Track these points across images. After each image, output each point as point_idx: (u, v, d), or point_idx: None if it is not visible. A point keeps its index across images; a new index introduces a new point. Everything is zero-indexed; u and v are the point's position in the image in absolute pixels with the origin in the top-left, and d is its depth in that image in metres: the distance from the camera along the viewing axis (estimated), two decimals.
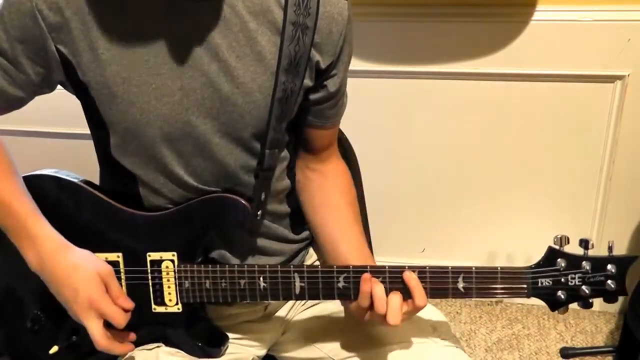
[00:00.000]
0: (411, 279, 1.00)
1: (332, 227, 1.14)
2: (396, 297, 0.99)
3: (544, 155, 2.03)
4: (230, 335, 1.14)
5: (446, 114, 2.04)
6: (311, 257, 1.26)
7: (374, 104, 2.04)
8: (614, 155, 1.97)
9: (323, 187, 1.17)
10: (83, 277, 0.99)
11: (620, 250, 2.08)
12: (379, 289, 0.99)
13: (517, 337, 2.06)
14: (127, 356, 1.11)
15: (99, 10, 0.96)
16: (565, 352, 1.79)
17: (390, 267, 1.01)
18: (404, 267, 1.01)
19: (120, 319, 1.00)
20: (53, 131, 2.25)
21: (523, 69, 1.92)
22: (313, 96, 1.08)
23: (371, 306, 1.00)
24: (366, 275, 1.00)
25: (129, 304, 1.02)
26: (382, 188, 2.11)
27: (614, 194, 2.03)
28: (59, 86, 1.07)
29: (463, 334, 2.09)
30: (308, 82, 1.05)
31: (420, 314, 1.13)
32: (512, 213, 2.14)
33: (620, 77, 1.88)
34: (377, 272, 1.01)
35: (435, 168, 2.12)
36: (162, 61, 0.98)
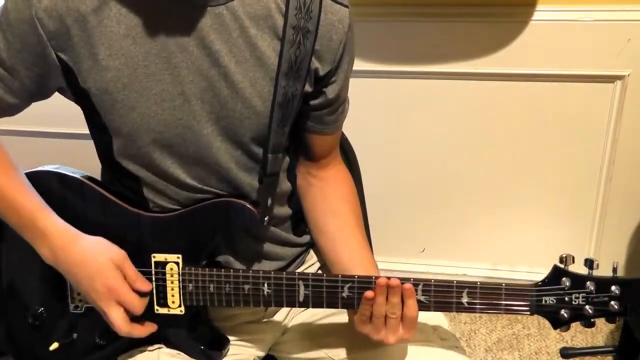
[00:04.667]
0: (406, 289, 0.99)
1: (334, 235, 1.13)
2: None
3: (544, 154, 2.03)
4: (230, 336, 1.14)
5: (446, 114, 2.04)
6: (312, 258, 1.26)
7: (374, 104, 2.04)
8: (614, 156, 1.97)
9: (324, 193, 1.17)
10: (97, 266, 1.00)
11: (620, 250, 2.09)
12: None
13: (517, 337, 2.06)
14: (127, 356, 1.11)
15: (99, 18, 0.96)
16: (565, 352, 1.78)
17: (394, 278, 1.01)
18: (408, 279, 1.00)
19: (138, 307, 1.01)
20: (53, 131, 2.25)
21: (523, 69, 1.93)
22: (312, 102, 1.08)
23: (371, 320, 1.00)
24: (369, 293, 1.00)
25: (147, 286, 1.03)
26: (382, 188, 2.11)
27: (614, 194, 2.03)
28: None
29: (463, 334, 2.09)
30: (308, 87, 1.05)
31: (420, 313, 1.14)
32: (512, 212, 2.15)
33: (620, 77, 1.88)
34: None
35: (435, 168, 2.12)
36: (163, 67, 0.98)
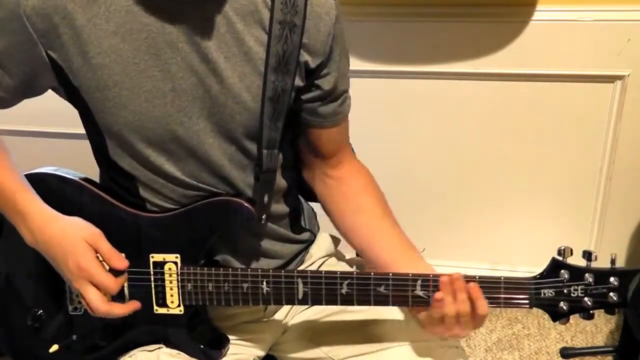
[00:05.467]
0: (472, 288, 0.99)
1: (363, 232, 1.13)
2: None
3: (544, 155, 2.03)
4: (230, 335, 1.14)
5: (446, 114, 2.04)
6: (310, 258, 1.26)
7: (374, 104, 2.04)
8: (614, 156, 1.97)
9: (343, 192, 1.16)
10: (70, 245, 0.99)
11: (620, 249, 2.08)
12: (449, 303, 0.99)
13: (517, 337, 2.06)
14: (127, 356, 1.11)
15: (87, 16, 0.96)
16: (565, 352, 1.79)
17: (393, 274, 1.02)
18: (407, 274, 1.01)
19: (112, 286, 0.99)
20: (53, 131, 2.25)
21: (523, 69, 1.92)
22: (306, 96, 1.08)
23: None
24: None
25: (123, 263, 1.01)
26: (382, 188, 2.10)
27: (614, 194, 2.03)
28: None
29: None
30: (299, 82, 1.05)
31: None
32: (512, 212, 2.15)
33: (620, 77, 1.88)
34: (381, 279, 1.01)
35: (435, 168, 2.12)
36: (153, 64, 0.98)
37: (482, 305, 0.99)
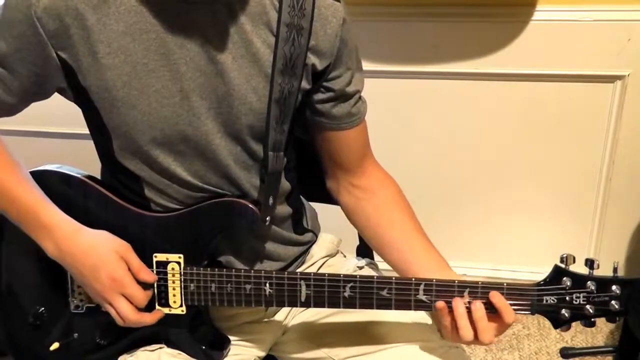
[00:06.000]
0: (497, 297, 0.99)
1: (398, 247, 1.12)
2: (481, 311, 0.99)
3: (544, 155, 2.03)
4: (231, 336, 1.14)
5: (446, 114, 2.04)
6: (312, 258, 1.26)
7: (374, 104, 2.03)
8: (614, 156, 1.98)
9: (373, 204, 1.16)
10: (102, 257, 1.00)
11: (620, 249, 2.09)
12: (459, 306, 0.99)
13: (517, 337, 2.06)
14: (128, 356, 1.11)
15: (98, 15, 0.96)
16: (565, 352, 1.79)
17: (396, 278, 1.01)
18: (410, 278, 1.01)
19: (141, 299, 1.01)
20: (53, 131, 2.25)
21: (523, 69, 1.93)
22: (317, 97, 1.08)
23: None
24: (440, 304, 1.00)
25: (151, 277, 1.03)
26: None
27: (614, 194, 2.03)
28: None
29: None
30: (305, 84, 1.05)
31: (419, 314, 1.14)
32: (512, 212, 2.15)
33: (620, 77, 1.88)
34: (384, 282, 1.01)
35: (435, 168, 2.12)
36: (162, 63, 0.98)
37: (509, 313, 0.98)
